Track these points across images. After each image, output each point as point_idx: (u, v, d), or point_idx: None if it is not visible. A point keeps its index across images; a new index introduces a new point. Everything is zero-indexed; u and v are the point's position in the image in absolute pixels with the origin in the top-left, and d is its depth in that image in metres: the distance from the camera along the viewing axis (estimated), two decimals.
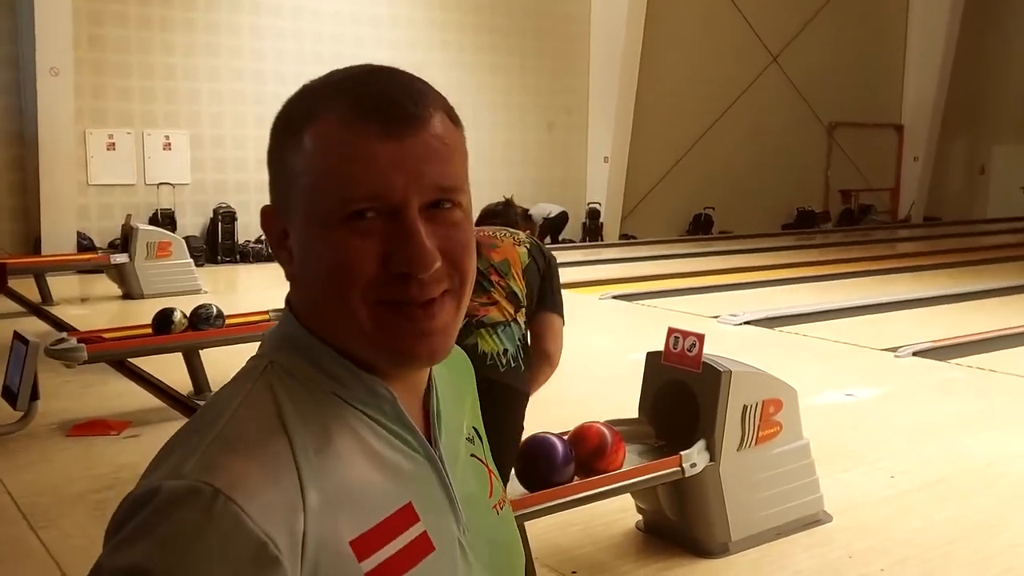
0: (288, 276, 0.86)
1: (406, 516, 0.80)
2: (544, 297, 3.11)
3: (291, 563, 0.70)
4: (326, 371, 0.82)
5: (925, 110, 21.18)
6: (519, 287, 3.04)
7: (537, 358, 3.05)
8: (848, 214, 20.74)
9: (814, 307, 9.36)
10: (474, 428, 0.99)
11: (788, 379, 3.90)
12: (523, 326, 3.01)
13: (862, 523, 3.96)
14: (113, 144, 12.73)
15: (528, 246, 3.15)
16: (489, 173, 15.56)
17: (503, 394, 2.86)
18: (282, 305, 0.91)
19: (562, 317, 3.16)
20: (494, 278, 3.05)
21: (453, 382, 0.98)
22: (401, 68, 0.85)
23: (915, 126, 21.43)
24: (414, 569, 0.79)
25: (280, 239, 0.85)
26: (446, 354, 0.83)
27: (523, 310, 3.04)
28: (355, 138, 0.78)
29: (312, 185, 0.80)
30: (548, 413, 4.88)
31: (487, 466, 0.97)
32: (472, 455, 0.95)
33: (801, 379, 4.36)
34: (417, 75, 0.85)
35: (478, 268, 3.30)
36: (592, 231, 16.64)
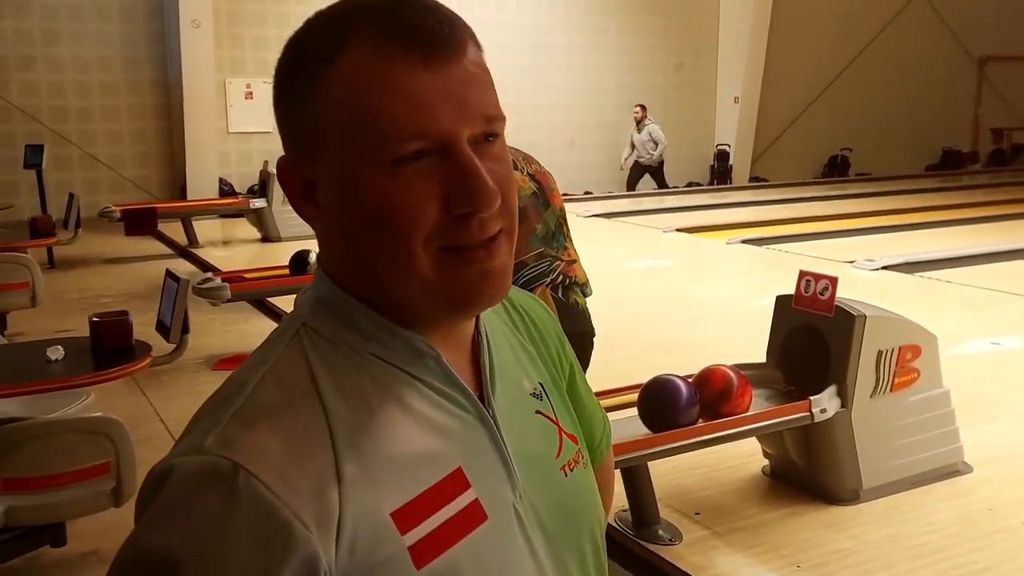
0: (320, 233, 0.79)
1: (455, 483, 0.74)
2: None
3: (323, 540, 0.65)
4: (363, 332, 0.76)
5: None
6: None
7: None
8: (999, 154, 19.46)
9: (959, 252, 8.87)
10: (540, 384, 0.90)
11: (929, 326, 3.74)
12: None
13: (1005, 475, 3.79)
14: (251, 93, 13.18)
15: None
16: (616, 117, 15.35)
17: (591, 343, 2.89)
18: None
19: None
20: (566, 230, 2.91)
21: (516, 334, 0.91)
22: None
23: None
24: (464, 541, 0.73)
25: (305, 192, 0.76)
26: (505, 294, 0.78)
27: None
28: (393, 70, 0.71)
29: (349, 126, 0.72)
30: (674, 357, 4.86)
31: (556, 423, 0.89)
32: (538, 412, 0.87)
33: (943, 326, 4.17)
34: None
35: (556, 220, 3.29)
36: (721, 174, 16.22)
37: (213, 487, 0.65)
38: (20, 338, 5.72)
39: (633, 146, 14.26)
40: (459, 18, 0.76)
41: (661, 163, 14.29)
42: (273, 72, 0.78)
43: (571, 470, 0.87)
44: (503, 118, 0.77)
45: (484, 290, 0.75)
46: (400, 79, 0.71)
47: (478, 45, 0.77)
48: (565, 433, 0.89)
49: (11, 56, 12.14)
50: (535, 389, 0.88)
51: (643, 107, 14.14)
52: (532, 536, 0.79)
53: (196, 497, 0.65)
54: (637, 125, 14.16)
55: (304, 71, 0.74)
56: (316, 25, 0.75)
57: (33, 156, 9.61)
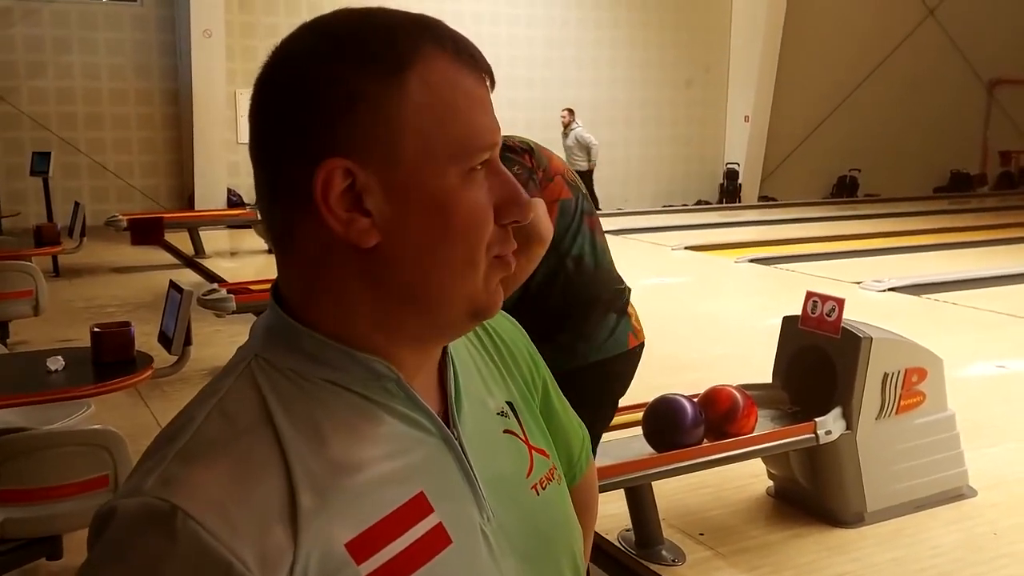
0: (360, 241, 0.70)
1: (417, 508, 0.72)
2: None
3: None
4: (316, 359, 0.73)
5: None
6: None
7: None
8: (1007, 177, 19.44)
9: (966, 274, 8.85)
10: (509, 402, 0.88)
11: (935, 348, 3.72)
12: None
13: (1010, 500, 3.75)
14: None
15: None
16: (624, 132, 15.38)
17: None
18: None
19: None
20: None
21: (481, 352, 0.90)
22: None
23: None
24: (427, 566, 0.71)
25: (350, 199, 0.70)
26: None
27: None
28: (469, 81, 0.72)
29: (435, 130, 0.70)
30: (680, 376, 4.83)
31: (526, 441, 0.87)
32: (507, 431, 0.85)
33: (949, 349, 4.15)
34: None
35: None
36: (730, 192, 16.24)
37: (151, 530, 0.64)
38: (23, 347, 5.72)
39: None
40: None
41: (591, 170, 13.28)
42: (298, 69, 0.74)
43: (543, 488, 0.86)
44: None
45: (500, 299, 0.77)
46: (478, 91, 0.73)
47: None
48: (535, 449, 0.87)
49: (21, 62, 12.21)
50: (502, 408, 0.87)
51: (571, 111, 13.32)
52: (501, 558, 0.77)
53: (134, 540, 0.64)
54: (564, 130, 13.23)
55: (382, 69, 0.69)
56: (377, 25, 0.71)
57: (40, 163, 9.64)
